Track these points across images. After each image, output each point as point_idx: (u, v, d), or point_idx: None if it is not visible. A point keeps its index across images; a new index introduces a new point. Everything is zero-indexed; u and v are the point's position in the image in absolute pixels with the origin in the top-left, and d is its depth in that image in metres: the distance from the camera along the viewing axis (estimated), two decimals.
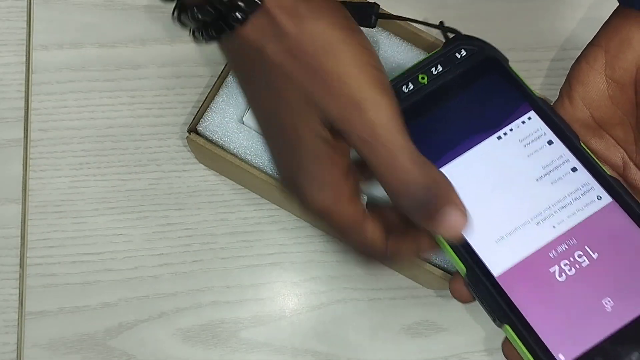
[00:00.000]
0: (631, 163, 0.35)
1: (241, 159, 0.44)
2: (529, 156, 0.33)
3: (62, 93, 0.50)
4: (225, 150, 0.45)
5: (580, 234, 0.32)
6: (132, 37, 0.51)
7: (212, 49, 0.51)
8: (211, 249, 0.48)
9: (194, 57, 0.51)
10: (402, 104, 0.32)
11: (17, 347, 0.46)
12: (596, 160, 0.33)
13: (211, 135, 0.45)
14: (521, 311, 0.30)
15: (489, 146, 0.34)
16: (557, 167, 0.33)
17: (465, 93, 0.34)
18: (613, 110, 0.35)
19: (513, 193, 0.33)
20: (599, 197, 0.32)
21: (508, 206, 0.32)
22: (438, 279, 0.43)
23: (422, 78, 0.34)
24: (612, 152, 0.35)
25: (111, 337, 0.46)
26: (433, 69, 0.35)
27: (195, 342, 0.47)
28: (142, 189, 0.49)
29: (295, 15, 0.28)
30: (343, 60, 0.28)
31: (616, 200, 0.32)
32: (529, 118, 0.34)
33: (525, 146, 0.34)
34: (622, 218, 0.32)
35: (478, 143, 0.34)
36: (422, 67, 0.35)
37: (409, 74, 0.35)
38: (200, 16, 0.30)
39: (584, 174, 0.33)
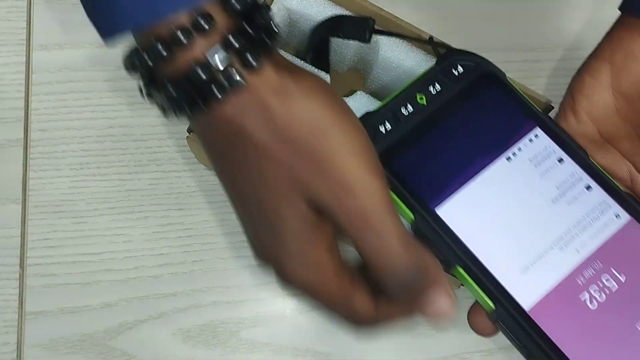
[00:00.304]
0: (638, 175, 0.34)
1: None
2: (541, 176, 0.32)
3: (62, 93, 0.50)
4: None
5: (604, 256, 0.31)
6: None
7: None
8: (211, 249, 0.48)
9: None
10: (403, 127, 0.32)
11: (17, 347, 0.46)
12: (608, 176, 0.32)
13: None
14: (557, 344, 0.29)
15: (499, 168, 0.32)
16: (571, 186, 0.32)
17: (467, 112, 0.33)
18: (620, 123, 0.34)
19: (531, 217, 0.31)
20: (617, 216, 0.32)
21: (528, 232, 0.31)
22: None
23: (421, 98, 0.33)
24: (618, 166, 0.34)
25: (111, 337, 0.46)
26: (431, 87, 0.33)
27: (196, 342, 0.47)
28: (142, 189, 0.49)
29: (284, 94, 0.27)
30: (334, 143, 0.27)
31: (634, 217, 0.31)
32: (536, 135, 0.33)
33: (536, 166, 0.32)
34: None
35: (487, 166, 0.32)
36: (418, 86, 0.33)
37: (407, 95, 0.33)
38: (175, 94, 0.27)
39: (598, 192, 0.32)
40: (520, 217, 0.31)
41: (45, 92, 0.50)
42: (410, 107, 0.33)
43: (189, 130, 0.45)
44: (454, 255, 0.31)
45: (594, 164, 0.32)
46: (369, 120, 0.32)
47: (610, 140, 0.35)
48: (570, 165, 0.32)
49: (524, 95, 0.34)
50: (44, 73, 0.50)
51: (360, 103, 0.45)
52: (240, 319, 0.47)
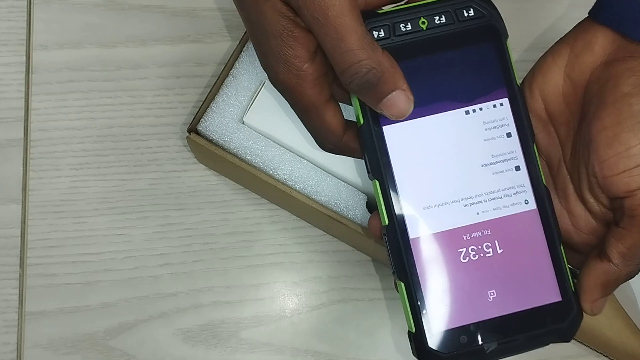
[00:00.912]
0: (564, 165, 0.35)
1: (241, 159, 0.44)
2: (485, 140, 0.34)
3: (62, 93, 0.50)
4: (225, 150, 0.45)
5: (496, 228, 0.34)
6: (132, 37, 0.51)
7: (212, 50, 0.51)
8: (211, 249, 0.48)
9: (194, 57, 0.51)
10: (393, 40, 0.33)
11: (17, 347, 0.46)
12: (540, 167, 0.34)
13: (211, 135, 0.45)
14: (419, 275, 0.33)
15: (454, 117, 0.34)
16: (504, 160, 0.34)
17: (454, 54, 0.34)
18: (563, 107, 0.35)
19: (456, 170, 0.34)
20: (526, 202, 0.34)
21: (447, 181, 0.34)
22: None
23: (423, 22, 0.34)
24: (553, 150, 0.36)
25: (111, 337, 0.46)
26: (437, 17, 0.34)
27: (196, 342, 0.47)
28: (142, 189, 0.49)
29: None
30: None
31: (539, 210, 0.34)
32: (501, 104, 0.35)
33: (485, 130, 0.34)
34: (537, 228, 0.34)
35: (446, 110, 0.34)
36: (426, 10, 0.34)
37: (412, 13, 0.34)
38: None
39: (523, 176, 0.34)
40: (446, 166, 0.34)
41: (45, 92, 0.50)
42: (409, 26, 0.34)
43: (189, 131, 0.45)
44: (377, 169, 0.33)
45: (534, 152, 0.34)
46: (368, 19, 0.33)
47: (552, 123, 0.36)
48: (513, 143, 0.34)
49: (512, 64, 0.35)
50: (44, 73, 0.50)
51: None
52: (240, 319, 0.47)
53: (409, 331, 0.33)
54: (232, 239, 0.48)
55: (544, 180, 0.34)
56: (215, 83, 0.45)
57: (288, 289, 0.48)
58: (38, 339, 0.46)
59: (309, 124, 0.34)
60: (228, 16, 0.51)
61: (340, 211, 0.44)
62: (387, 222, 0.33)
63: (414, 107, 0.32)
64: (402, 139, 0.34)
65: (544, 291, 0.33)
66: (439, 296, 0.33)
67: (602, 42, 0.34)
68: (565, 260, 0.34)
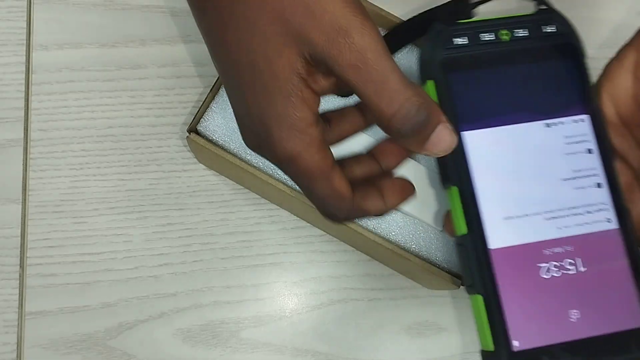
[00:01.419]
0: None
1: (241, 159, 0.44)
2: (566, 154, 0.34)
3: (62, 93, 0.50)
4: (225, 150, 0.45)
5: (578, 245, 0.33)
6: (132, 37, 0.51)
7: None
8: (211, 249, 0.48)
9: (194, 57, 0.51)
10: (474, 48, 0.33)
11: (17, 347, 0.46)
12: (620, 185, 0.34)
13: (211, 135, 0.45)
14: (498, 289, 0.31)
15: (535, 128, 0.34)
16: (586, 176, 0.34)
17: (535, 67, 0.34)
18: (635, 109, 0.35)
19: (537, 182, 0.33)
20: (609, 220, 0.33)
21: (528, 192, 0.33)
22: (438, 279, 0.43)
23: (505, 34, 0.34)
24: (631, 154, 0.35)
25: (111, 337, 0.46)
26: (519, 30, 0.34)
27: (196, 342, 0.47)
28: (142, 189, 0.49)
29: None
30: None
31: (621, 229, 0.33)
32: (582, 120, 0.34)
33: (567, 144, 0.34)
34: (619, 247, 0.33)
35: (526, 121, 0.34)
36: (508, 23, 0.34)
37: (495, 24, 0.34)
38: None
39: (605, 194, 0.33)
40: (526, 177, 0.33)
41: (45, 92, 0.50)
42: (491, 36, 0.34)
43: (189, 131, 0.45)
44: (458, 176, 0.33)
45: (615, 170, 0.34)
46: (451, 27, 0.33)
47: (627, 126, 0.35)
48: (595, 160, 0.34)
49: (590, 83, 0.35)
50: (44, 73, 0.50)
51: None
52: (240, 319, 0.47)
53: (483, 350, 0.31)
54: (232, 239, 0.48)
55: (625, 200, 0.33)
56: (215, 83, 0.45)
57: (288, 289, 0.48)
58: (38, 339, 0.46)
59: (317, 193, 0.31)
60: None
61: None
62: (465, 231, 0.32)
63: (495, 116, 0.32)
64: (482, 147, 0.33)
65: (629, 315, 0.32)
66: (519, 313, 0.31)
67: None
68: None
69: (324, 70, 0.29)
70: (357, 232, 0.43)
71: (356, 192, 0.31)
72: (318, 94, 0.30)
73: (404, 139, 0.29)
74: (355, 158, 0.34)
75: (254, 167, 0.44)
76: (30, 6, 0.51)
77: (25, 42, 0.51)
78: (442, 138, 0.29)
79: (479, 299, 0.31)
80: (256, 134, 0.30)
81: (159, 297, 0.47)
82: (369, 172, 0.34)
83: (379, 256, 0.47)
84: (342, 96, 0.33)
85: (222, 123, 0.45)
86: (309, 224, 0.49)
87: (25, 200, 0.48)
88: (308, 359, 0.47)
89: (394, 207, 0.33)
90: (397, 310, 0.48)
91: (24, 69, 0.50)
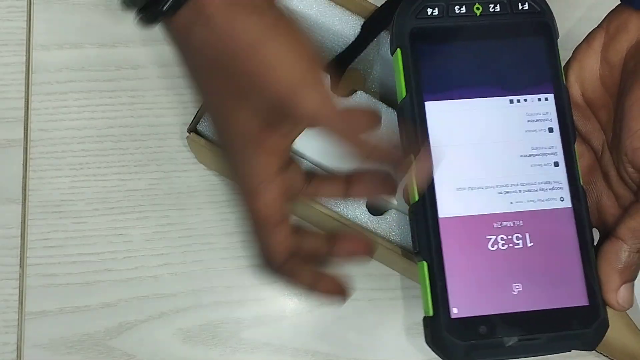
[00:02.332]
0: (607, 148, 0.35)
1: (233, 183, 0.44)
2: (526, 132, 0.34)
3: (62, 93, 0.50)
4: None
5: (528, 221, 0.33)
6: (132, 37, 0.51)
7: None
8: (211, 249, 0.48)
9: None
10: (446, 20, 0.34)
11: (17, 347, 0.46)
12: (578, 166, 0.34)
13: (211, 135, 0.45)
14: (443, 257, 0.32)
15: (498, 103, 0.34)
16: (544, 154, 0.34)
17: (505, 43, 0.34)
18: (601, 91, 0.35)
19: (494, 156, 0.33)
20: (562, 199, 0.34)
21: (484, 165, 0.33)
22: None
23: (477, 8, 0.34)
24: (595, 136, 0.36)
25: (111, 337, 0.46)
26: (491, 5, 0.34)
27: (196, 342, 0.47)
28: (142, 189, 0.49)
29: (228, 10, 0.29)
30: (269, 59, 0.29)
31: (574, 209, 0.33)
32: (546, 99, 0.34)
33: (528, 121, 0.34)
34: (569, 227, 0.33)
35: (490, 96, 0.34)
36: None
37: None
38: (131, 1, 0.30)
39: (561, 173, 0.34)
40: (485, 151, 0.33)
41: (45, 92, 0.50)
42: (463, 9, 0.34)
43: (189, 130, 0.45)
44: (414, 145, 0.33)
45: (574, 151, 0.34)
46: None
47: (591, 108, 0.36)
48: (555, 139, 0.34)
49: (560, 63, 0.35)
50: (44, 73, 0.50)
51: (361, 103, 0.45)
52: (240, 319, 0.47)
53: (425, 317, 0.32)
54: (232, 239, 0.48)
55: (581, 180, 0.34)
56: None
57: (288, 289, 0.48)
58: (38, 339, 0.46)
59: (257, 239, 0.33)
60: None
61: (341, 211, 0.44)
62: (416, 198, 0.33)
63: (459, 88, 0.32)
64: (442, 118, 0.33)
65: (571, 293, 0.32)
66: (462, 281, 0.32)
67: (637, 22, 0.34)
68: (595, 263, 0.33)
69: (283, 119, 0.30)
70: (357, 232, 0.43)
71: (293, 259, 0.32)
72: (279, 149, 0.31)
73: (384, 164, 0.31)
74: (312, 233, 0.35)
75: None
76: (30, 6, 0.51)
77: (25, 42, 0.51)
78: (421, 166, 0.32)
79: (424, 265, 0.32)
80: (228, 166, 0.33)
81: (159, 297, 0.47)
82: (316, 251, 0.34)
83: (379, 256, 0.47)
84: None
85: None
86: (309, 224, 0.49)
87: (25, 200, 0.48)
88: (308, 359, 0.47)
89: (319, 297, 0.34)
90: (397, 310, 0.48)
91: (24, 69, 0.50)
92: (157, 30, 0.52)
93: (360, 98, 0.44)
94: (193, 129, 0.45)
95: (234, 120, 0.30)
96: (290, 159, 0.33)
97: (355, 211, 0.44)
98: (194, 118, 0.45)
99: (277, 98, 0.29)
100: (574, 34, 0.38)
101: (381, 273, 0.48)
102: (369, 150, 0.30)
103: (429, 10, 0.34)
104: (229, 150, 0.31)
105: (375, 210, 0.45)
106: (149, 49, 0.51)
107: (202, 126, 0.45)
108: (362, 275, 0.48)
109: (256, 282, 0.48)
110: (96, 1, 0.51)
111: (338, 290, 0.34)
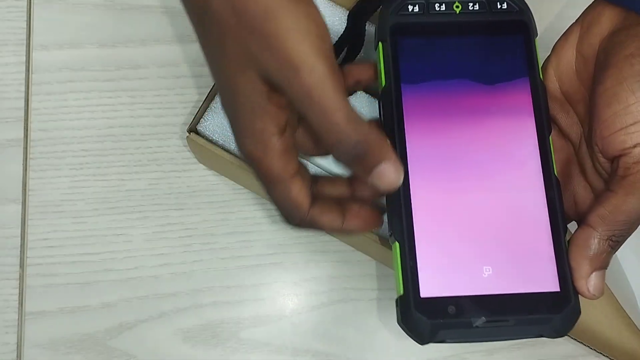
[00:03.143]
0: (584, 141, 0.35)
1: (241, 159, 0.44)
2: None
3: (62, 93, 0.50)
4: (225, 150, 0.45)
5: (500, 204, 0.34)
6: (132, 37, 0.51)
7: None
8: (211, 249, 0.48)
9: (194, 57, 0.51)
10: (425, 17, 0.35)
11: (17, 347, 0.46)
12: (552, 157, 0.34)
13: (211, 135, 0.45)
14: (415, 238, 0.32)
15: (475, 94, 0.35)
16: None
17: (483, 41, 0.35)
18: (578, 85, 0.36)
19: (467, 145, 0.34)
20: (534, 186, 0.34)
21: (458, 152, 0.34)
22: None
23: (457, 6, 0.35)
24: (573, 129, 0.36)
25: (111, 337, 0.46)
26: (471, 4, 0.36)
27: (196, 342, 0.47)
28: (142, 189, 0.49)
29: None
30: (285, 25, 0.30)
31: (546, 197, 0.34)
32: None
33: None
34: (542, 213, 0.34)
35: (467, 91, 0.35)
36: None
37: None
38: None
39: (534, 165, 0.34)
40: (460, 142, 0.34)
41: (45, 92, 0.50)
42: (443, 7, 0.35)
43: (189, 131, 0.45)
44: (392, 139, 0.34)
45: (549, 142, 0.35)
46: None
47: (569, 102, 0.36)
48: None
49: (538, 60, 0.36)
50: (44, 73, 0.50)
51: (360, 103, 0.45)
52: (240, 319, 0.47)
53: (396, 298, 0.33)
54: (232, 239, 0.48)
55: (555, 171, 0.34)
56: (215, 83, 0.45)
57: (288, 289, 0.48)
58: (38, 339, 0.46)
59: (274, 197, 0.34)
60: None
61: None
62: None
63: (436, 80, 0.33)
64: (419, 107, 0.34)
65: (542, 278, 0.33)
66: (432, 262, 0.32)
67: (609, 14, 0.34)
68: (567, 250, 0.33)
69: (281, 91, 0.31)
70: None
71: (316, 205, 0.34)
72: (282, 107, 0.32)
73: (347, 167, 0.32)
74: (331, 179, 0.36)
75: None
76: (30, 6, 0.51)
77: (25, 42, 0.51)
78: (384, 174, 0.31)
79: (397, 245, 0.33)
80: (233, 132, 0.34)
81: (159, 297, 0.47)
82: (339, 195, 0.35)
83: (379, 256, 0.47)
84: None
85: (222, 123, 0.45)
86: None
87: (25, 200, 0.48)
88: (308, 359, 0.47)
89: (354, 231, 0.34)
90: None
91: (24, 69, 0.50)
92: (156, 30, 0.52)
93: (361, 98, 0.44)
94: (193, 129, 0.45)
95: (242, 82, 0.31)
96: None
97: None
98: (194, 118, 0.45)
99: (286, 61, 0.30)
100: (554, 29, 0.39)
101: (381, 273, 0.48)
102: (339, 149, 0.31)
103: (410, 7, 0.35)
104: (235, 115, 0.32)
105: None
106: (149, 49, 0.51)
107: (202, 126, 0.45)
108: (362, 275, 0.48)
109: (256, 282, 0.48)
110: (96, 1, 0.51)
111: (369, 219, 0.34)
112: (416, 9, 0.35)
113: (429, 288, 0.32)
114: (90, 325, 0.47)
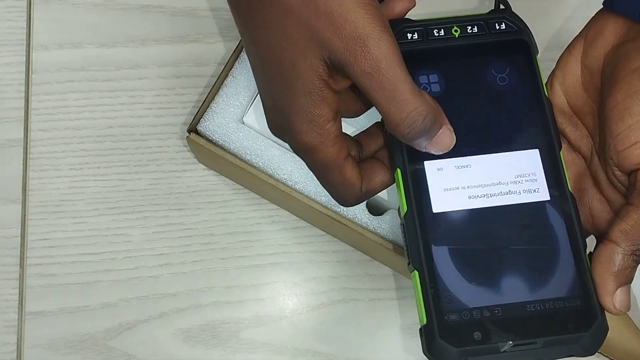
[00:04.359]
0: (595, 154, 0.35)
1: (241, 159, 0.44)
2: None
3: (62, 93, 0.50)
4: (225, 150, 0.45)
5: (518, 224, 0.34)
6: (132, 37, 0.51)
7: (212, 50, 0.51)
8: (211, 249, 0.48)
9: (194, 57, 0.51)
10: (426, 43, 0.35)
11: (17, 347, 0.46)
12: (565, 173, 0.34)
13: (211, 135, 0.45)
14: (435, 265, 0.32)
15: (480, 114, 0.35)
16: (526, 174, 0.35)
17: (483, 62, 0.35)
18: (585, 98, 0.36)
19: (479, 162, 0.34)
20: (549, 203, 0.34)
21: (470, 172, 0.34)
22: None
23: (456, 31, 0.36)
24: (583, 142, 0.36)
25: (111, 337, 0.46)
26: (469, 27, 0.36)
27: (196, 342, 0.47)
28: (142, 189, 0.49)
29: None
30: (348, 2, 0.30)
31: (563, 215, 0.34)
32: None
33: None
34: (561, 230, 0.33)
35: (470, 109, 0.35)
36: (460, 21, 0.36)
37: (447, 22, 0.36)
38: None
39: (544, 181, 0.34)
40: (467, 159, 0.34)
41: (45, 92, 0.50)
42: (442, 32, 0.36)
43: (189, 131, 0.45)
44: (400, 159, 0.34)
45: (560, 158, 0.34)
46: (405, 23, 0.35)
47: (577, 115, 0.36)
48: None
49: (541, 78, 0.36)
50: (44, 73, 0.50)
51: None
52: (240, 319, 0.47)
53: (420, 327, 0.32)
54: (232, 239, 0.48)
55: (569, 187, 0.34)
56: (215, 83, 0.45)
57: (288, 289, 0.48)
58: (38, 339, 0.46)
59: (330, 181, 0.34)
60: (228, 16, 0.51)
61: (340, 211, 0.44)
62: (406, 209, 0.33)
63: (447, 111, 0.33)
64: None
65: (567, 296, 0.32)
66: (453, 288, 0.32)
67: (612, 27, 0.34)
68: (589, 265, 0.33)
69: (342, 73, 0.31)
70: (357, 232, 0.43)
71: (363, 175, 0.34)
72: (338, 93, 0.32)
73: (408, 142, 0.32)
74: (368, 132, 0.36)
75: (254, 167, 0.44)
76: (30, 6, 0.51)
77: (25, 42, 0.51)
78: (442, 140, 0.32)
79: (416, 274, 0.32)
80: (280, 124, 0.33)
81: (159, 297, 0.47)
82: (379, 145, 0.36)
83: (379, 256, 0.47)
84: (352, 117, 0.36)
85: (222, 123, 0.45)
86: (309, 224, 0.49)
87: (25, 200, 0.48)
88: (308, 359, 0.47)
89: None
90: (397, 310, 0.48)
91: (24, 69, 0.50)
92: (156, 30, 0.52)
93: None
94: (193, 129, 0.45)
95: (303, 66, 0.31)
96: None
97: (355, 211, 0.44)
98: (194, 118, 0.45)
99: (353, 35, 0.30)
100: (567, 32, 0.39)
101: (381, 273, 0.48)
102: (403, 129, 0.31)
103: (409, 35, 0.35)
104: (290, 103, 0.32)
105: (375, 210, 0.45)
106: (149, 49, 0.51)
107: (202, 126, 0.45)
108: (362, 275, 0.48)
109: (256, 282, 0.48)
110: (96, 1, 0.51)
111: (449, 139, 0.34)
112: (415, 36, 0.35)
113: (452, 315, 0.32)
114: (90, 325, 0.47)
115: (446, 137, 0.32)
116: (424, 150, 0.32)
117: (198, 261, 0.48)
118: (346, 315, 0.48)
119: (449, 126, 0.32)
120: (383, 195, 0.44)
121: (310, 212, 0.45)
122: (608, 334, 0.41)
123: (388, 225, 0.44)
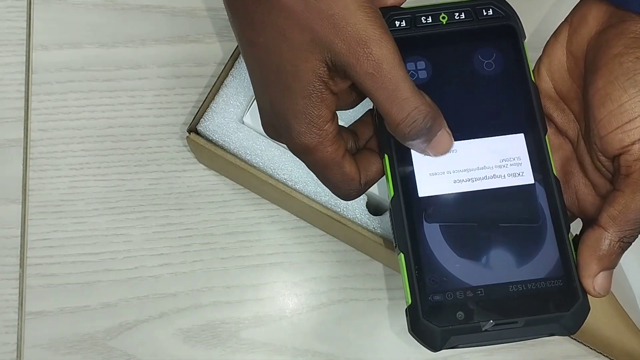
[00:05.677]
0: (582, 138, 0.36)
1: (241, 159, 0.44)
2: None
3: (62, 93, 0.50)
4: (225, 150, 0.45)
5: (502, 206, 0.34)
6: (132, 37, 0.51)
7: (212, 50, 0.51)
8: (211, 249, 0.48)
9: (194, 57, 0.51)
10: (414, 30, 0.35)
11: (17, 347, 0.46)
12: (551, 158, 0.35)
13: (211, 135, 0.45)
14: (419, 247, 0.33)
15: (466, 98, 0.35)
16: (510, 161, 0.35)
17: (472, 48, 0.36)
18: (570, 83, 0.36)
19: (465, 146, 0.34)
20: (532, 186, 0.34)
21: (456, 157, 0.34)
22: None
23: (443, 17, 0.36)
24: (570, 127, 0.36)
25: (111, 337, 0.46)
26: (457, 13, 0.36)
27: (196, 342, 0.47)
28: (142, 189, 0.49)
29: None
30: (349, 5, 0.30)
31: (548, 198, 0.34)
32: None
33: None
34: (545, 211, 0.34)
35: (457, 95, 0.35)
36: (447, 8, 0.36)
37: (434, 9, 0.36)
38: None
39: (528, 165, 0.35)
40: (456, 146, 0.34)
41: (45, 92, 0.50)
42: (430, 19, 0.36)
43: (189, 131, 0.45)
44: (387, 146, 0.34)
45: (545, 142, 0.35)
46: (393, 11, 0.36)
47: (564, 100, 0.37)
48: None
49: (528, 62, 0.36)
50: (44, 73, 0.50)
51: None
52: (240, 319, 0.47)
53: (406, 308, 0.33)
54: (232, 239, 0.48)
55: (554, 170, 0.35)
56: (215, 83, 0.45)
57: (288, 289, 0.48)
58: (38, 339, 0.46)
59: (330, 179, 0.34)
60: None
61: (340, 211, 0.44)
62: (392, 194, 0.34)
63: (427, 92, 0.33)
64: None
65: (548, 277, 0.33)
66: (437, 269, 0.33)
67: (595, 13, 0.35)
68: (572, 248, 0.34)
69: (342, 75, 0.32)
70: (357, 232, 0.43)
71: (360, 168, 0.35)
72: (336, 94, 0.33)
73: (408, 142, 0.32)
74: (362, 122, 0.37)
75: (254, 167, 0.44)
76: (30, 6, 0.51)
77: (25, 42, 0.51)
78: (442, 142, 0.33)
79: (402, 257, 0.33)
80: (277, 126, 0.34)
81: (159, 297, 0.47)
82: (372, 134, 0.36)
83: (379, 256, 0.47)
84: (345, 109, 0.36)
85: (222, 123, 0.45)
86: (309, 224, 0.49)
87: (25, 200, 0.48)
88: (308, 359, 0.47)
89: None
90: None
91: (24, 69, 0.50)
92: (156, 30, 0.52)
93: None
94: (193, 129, 0.45)
95: (303, 68, 0.31)
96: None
97: (355, 211, 0.44)
98: (194, 118, 0.45)
99: (355, 38, 0.30)
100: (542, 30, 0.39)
101: (381, 273, 0.48)
102: (404, 131, 0.31)
103: (397, 23, 0.36)
104: (288, 105, 0.32)
105: (375, 210, 0.45)
106: (149, 49, 0.51)
107: (202, 126, 0.45)
108: (362, 275, 0.48)
109: (256, 282, 0.48)
110: (96, 1, 0.51)
111: (447, 142, 0.35)
112: (403, 23, 0.36)
113: (435, 295, 0.32)
114: (90, 325, 0.47)
115: (445, 139, 0.33)
116: (422, 154, 0.33)
117: (198, 261, 0.48)
118: (346, 315, 0.48)
119: (448, 130, 0.33)
120: (383, 195, 0.44)
121: (310, 212, 0.45)
122: (608, 334, 0.41)
123: (388, 225, 0.44)
